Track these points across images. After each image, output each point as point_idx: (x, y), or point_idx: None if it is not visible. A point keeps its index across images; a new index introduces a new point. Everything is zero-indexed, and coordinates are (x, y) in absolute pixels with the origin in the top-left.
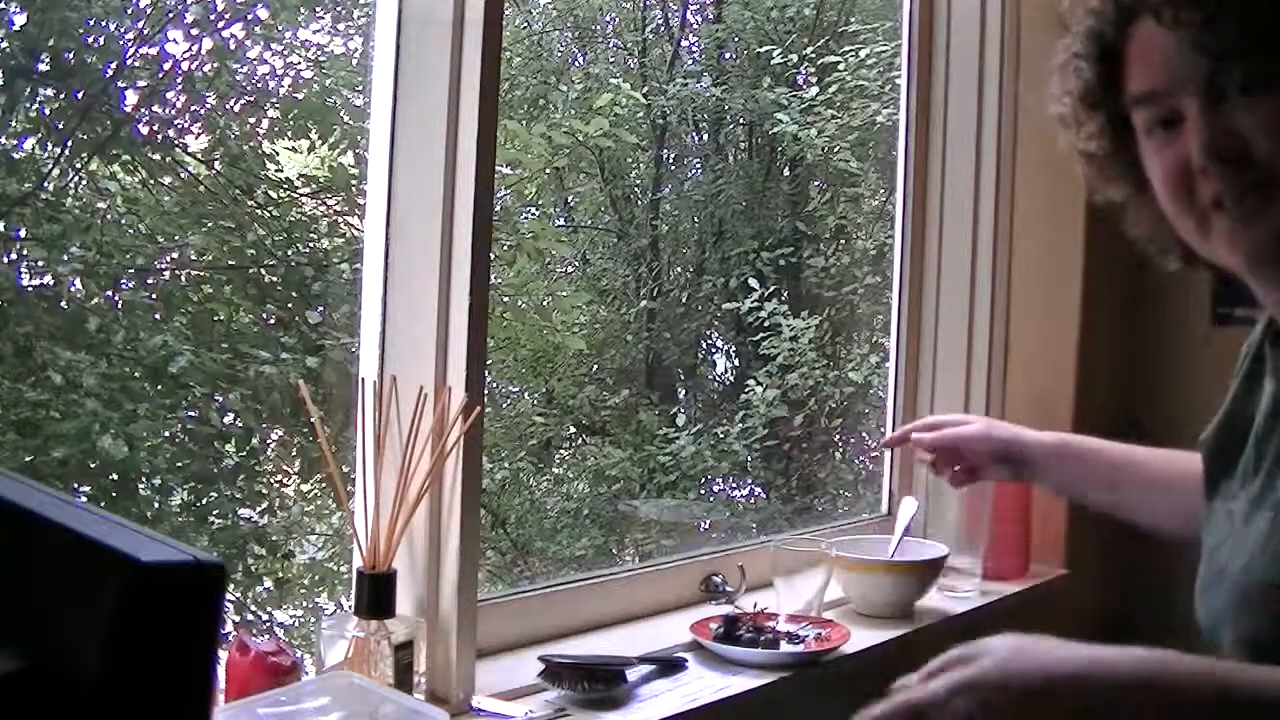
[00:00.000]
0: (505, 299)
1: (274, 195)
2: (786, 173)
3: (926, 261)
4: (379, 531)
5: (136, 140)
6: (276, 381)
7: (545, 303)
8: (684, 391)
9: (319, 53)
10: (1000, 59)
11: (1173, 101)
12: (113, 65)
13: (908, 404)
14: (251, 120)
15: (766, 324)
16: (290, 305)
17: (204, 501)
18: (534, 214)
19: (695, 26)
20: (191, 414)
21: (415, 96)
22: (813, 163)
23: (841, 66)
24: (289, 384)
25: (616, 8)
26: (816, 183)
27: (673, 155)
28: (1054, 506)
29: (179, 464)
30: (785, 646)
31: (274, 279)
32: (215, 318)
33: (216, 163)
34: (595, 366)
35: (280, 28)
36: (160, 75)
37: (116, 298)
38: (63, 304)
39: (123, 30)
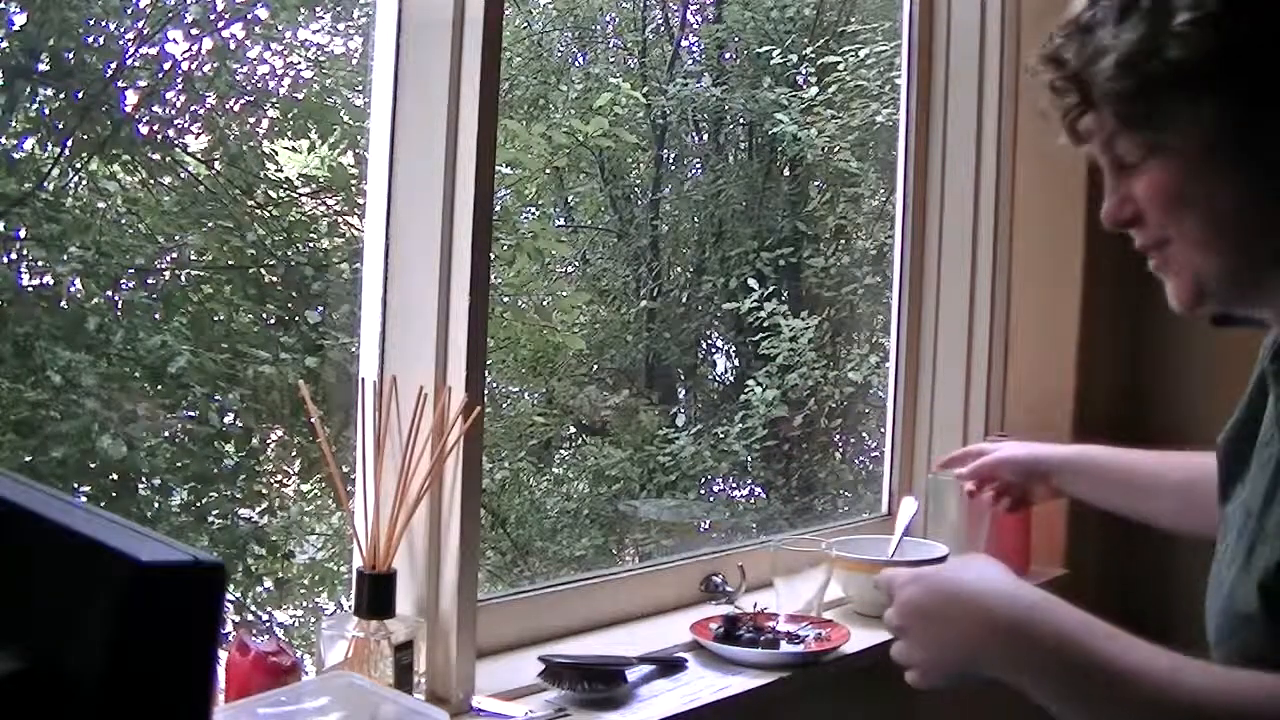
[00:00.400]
0: (505, 299)
1: (274, 195)
2: (786, 173)
3: (926, 261)
4: (379, 531)
5: (136, 140)
6: (276, 381)
7: (545, 303)
8: (684, 391)
9: (319, 53)
10: (1000, 59)
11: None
12: (113, 65)
13: (908, 404)
14: (251, 120)
15: (766, 324)
16: (290, 305)
17: (204, 501)
18: (534, 214)
19: (695, 26)
20: (191, 414)
21: (415, 96)
22: (813, 163)
23: (841, 66)
24: (289, 384)
25: (616, 8)
26: (816, 183)
27: (673, 155)
28: (1054, 506)
29: (179, 464)
30: (785, 646)
31: (274, 279)
32: (215, 318)
33: (216, 163)
34: (595, 366)
35: (280, 28)
36: (160, 75)
37: (116, 298)
38: (62, 304)
39: (123, 30)
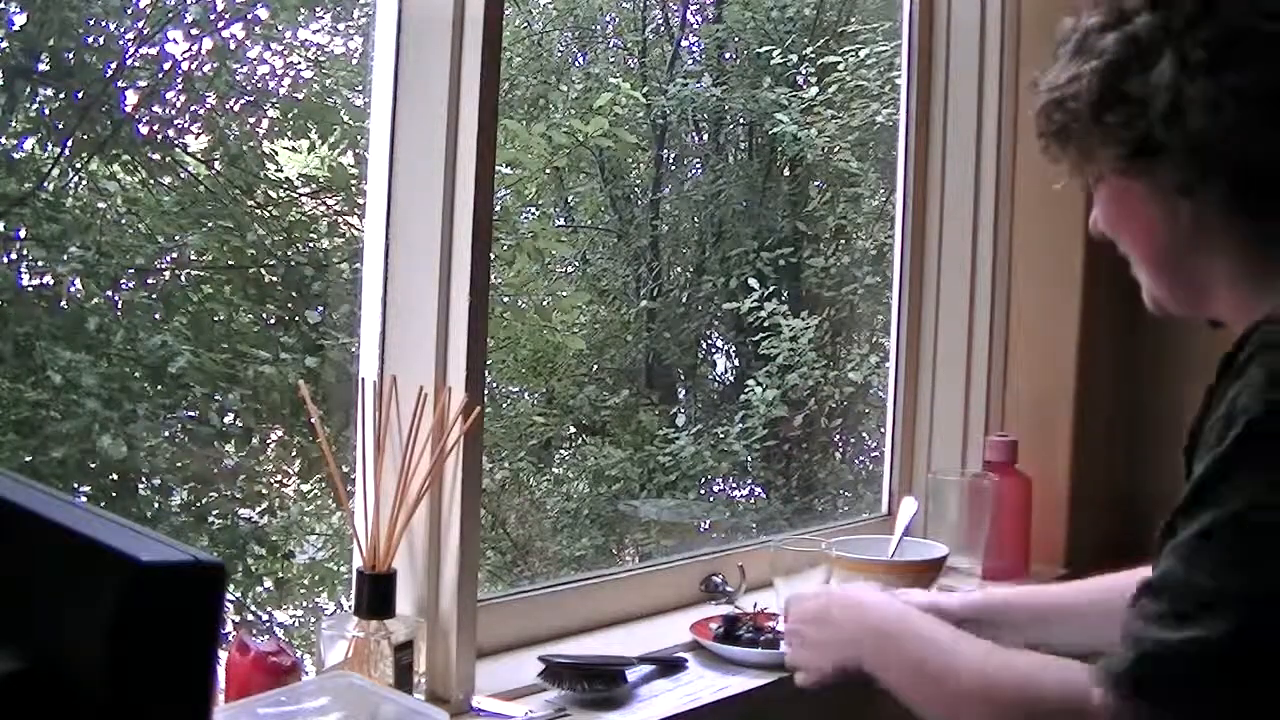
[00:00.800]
0: (505, 299)
1: (274, 195)
2: (786, 173)
3: (926, 261)
4: (379, 531)
5: (136, 140)
6: (276, 381)
7: (545, 303)
8: (684, 391)
9: (319, 53)
10: (1000, 59)
11: None
12: (113, 65)
13: (908, 404)
14: (251, 120)
15: (766, 324)
16: (290, 305)
17: (204, 501)
18: (534, 214)
19: (695, 26)
20: (191, 414)
21: (415, 96)
22: (813, 163)
23: (841, 66)
24: (289, 384)
25: (616, 8)
26: (816, 183)
27: (673, 155)
28: (1054, 506)
29: (179, 464)
30: (785, 646)
31: (274, 279)
32: (215, 318)
33: (216, 163)
34: (595, 366)
35: (280, 28)
36: (160, 75)
37: (116, 298)
38: (63, 304)
39: (123, 30)
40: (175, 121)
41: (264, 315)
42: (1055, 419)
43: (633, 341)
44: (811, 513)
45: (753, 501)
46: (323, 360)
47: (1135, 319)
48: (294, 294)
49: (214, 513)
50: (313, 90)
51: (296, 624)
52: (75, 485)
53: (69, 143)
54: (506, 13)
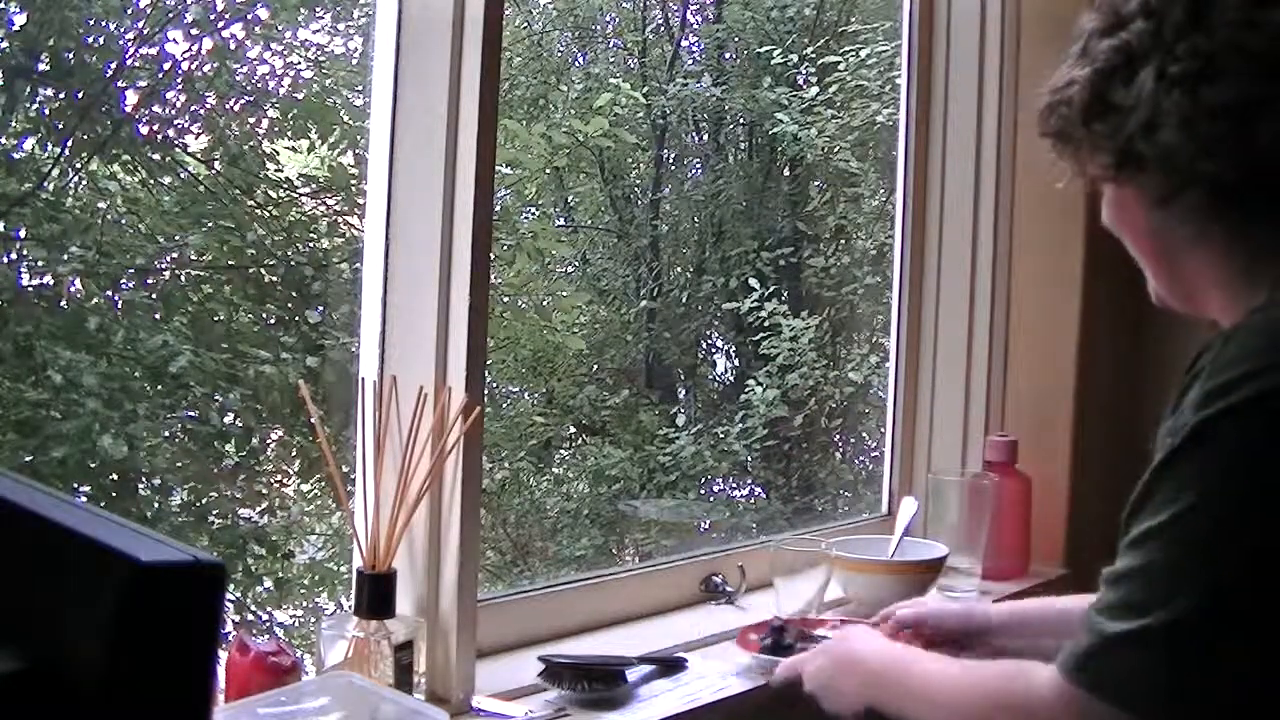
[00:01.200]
0: (505, 299)
1: (274, 195)
2: (786, 173)
3: (926, 261)
4: (379, 531)
5: (136, 140)
6: (276, 381)
7: (545, 303)
8: (684, 391)
9: (319, 53)
10: (1000, 59)
11: None
12: (113, 65)
13: (908, 404)
14: (251, 120)
15: (766, 324)
16: (290, 305)
17: (204, 501)
18: (534, 214)
19: (695, 26)
20: (191, 414)
21: (415, 96)
22: (813, 163)
23: (841, 66)
24: (289, 384)
25: (616, 8)
26: (816, 183)
27: (673, 155)
28: (1054, 506)
29: (179, 464)
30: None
31: (274, 279)
32: (215, 318)
33: (216, 163)
34: (595, 366)
35: (280, 28)
36: (160, 75)
37: (116, 298)
38: (63, 304)
39: (123, 30)
40: (175, 121)
41: (264, 315)
42: (1055, 419)
43: (633, 341)
44: (811, 513)
45: (753, 501)
46: (323, 360)
47: (1136, 318)
48: (294, 294)
49: (214, 513)
50: (313, 90)
51: (296, 624)
52: (75, 485)
53: (69, 143)
54: (506, 13)
